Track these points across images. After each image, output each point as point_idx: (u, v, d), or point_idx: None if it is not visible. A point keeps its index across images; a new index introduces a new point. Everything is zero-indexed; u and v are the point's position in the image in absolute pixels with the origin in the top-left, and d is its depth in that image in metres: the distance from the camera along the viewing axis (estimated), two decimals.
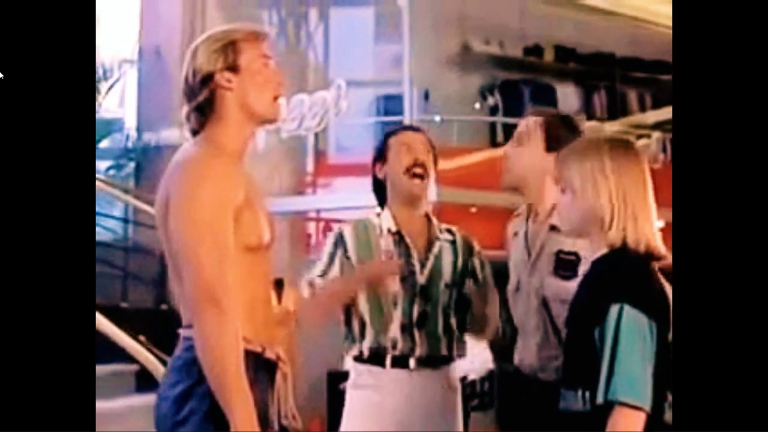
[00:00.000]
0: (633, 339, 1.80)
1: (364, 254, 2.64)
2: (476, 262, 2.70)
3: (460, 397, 2.72)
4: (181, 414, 1.82)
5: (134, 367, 4.31)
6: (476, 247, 2.75)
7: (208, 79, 1.91)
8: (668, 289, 1.89)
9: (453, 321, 2.64)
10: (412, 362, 2.57)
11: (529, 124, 2.49)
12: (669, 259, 1.91)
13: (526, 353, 2.39)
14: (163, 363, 3.17)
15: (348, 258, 2.64)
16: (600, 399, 1.80)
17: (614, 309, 1.81)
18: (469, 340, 2.76)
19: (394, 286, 2.60)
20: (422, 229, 2.68)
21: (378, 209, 2.74)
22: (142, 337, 4.19)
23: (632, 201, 1.91)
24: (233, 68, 1.91)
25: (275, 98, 1.97)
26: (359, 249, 2.64)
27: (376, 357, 2.59)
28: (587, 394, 1.85)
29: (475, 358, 4.14)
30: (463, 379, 4.49)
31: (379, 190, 2.75)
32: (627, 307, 1.81)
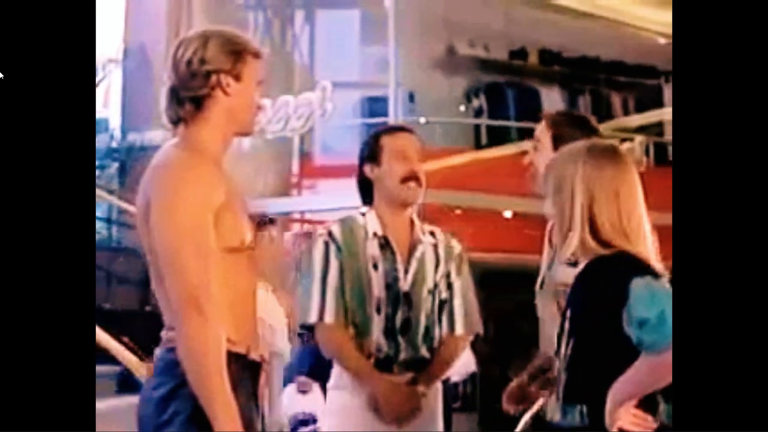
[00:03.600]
0: (670, 296, 1.79)
1: (349, 258, 2.62)
2: (452, 266, 2.69)
3: (441, 398, 2.72)
4: (164, 416, 1.81)
5: (117, 368, 4.29)
6: (456, 249, 2.74)
7: (212, 74, 1.92)
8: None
9: (435, 327, 2.64)
10: (395, 366, 2.57)
11: (540, 128, 2.50)
12: (659, 269, 1.91)
13: (547, 344, 2.40)
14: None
15: (341, 254, 2.60)
16: (649, 351, 1.77)
17: (640, 279, 1.80)
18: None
19: (380, 292, 2.59)
20: (406, 231, 2.66)
21: (363, 209, 2.72)
22: (125, 339, 4.18)
23: (607, 212, 1.88)
24: (237, 76, 1.93)
25: (255, 115, 2.02)
26: (345, 252, 2.62)
27: None
28: (584, 409, 1.84)
29: (458, 361, 4.14)
30: (446, 381, 4.51)
31: (365, 187, 2.72)
32: (652, 277, 1.82)
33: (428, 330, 2.62)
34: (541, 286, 2.48)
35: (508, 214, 5.96)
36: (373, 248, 2.60)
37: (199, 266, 1.80)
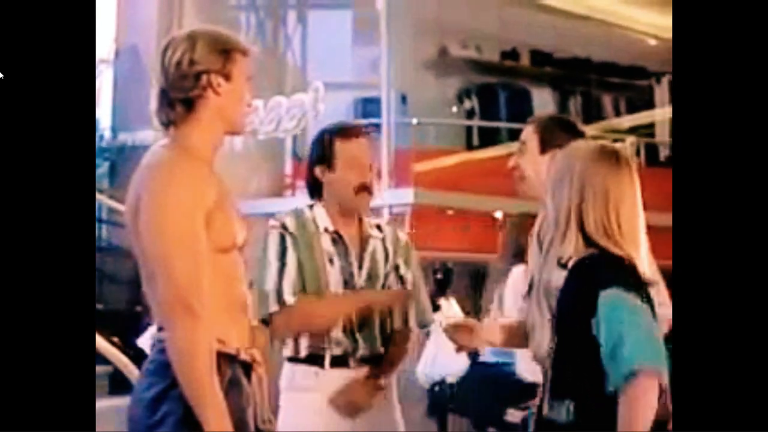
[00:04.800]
0: (633, 315, 1.79)
1: (305, 251, 2.59)
2: (400, 258, 2.69)
3: (396, 392, 2.71)
4: (155, 417, 1.81)
5: (107, 369, 4.28)
6: (403, 240, 2.74)
7: (202, 74, 1.91)
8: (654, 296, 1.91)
9: (387, 321, 2.64)
10: (351, 361, 2.56)
11: (526, 132, 2.51)
12: (652, 280, 1.91)
13: (540, 348, 2.40)
14: (137, 365, 3.15)
15: (297, 246, 2.57)
16: (611, 386, 1.77)
17: (606, 293, 1.81)
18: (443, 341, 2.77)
19: (338, 288, 2.58)
20: (355, 227, 2.65)
21: (309, 201, 2.69)
22: (115, 339, 4.16)
23: (599, 211, 1.89)
24: (227, 76, 1.93)
25: (246, 114, 2.01)
26: (302, 245, 2.59)
27: (313, 357, 2.56)
28: (572, 406, 1.86)
29: (453, 362, 4.14)
30: (441, 382, 4.51)
31: (314, 186, 2.66)
32: (618, 290, 1.81)
33: (383, 324, 2.63)
34: (530, 291, 2.48)
35: (499, 215, 5.96)
36: (326, 243, 2.59)
37: (189, 267, 1.79)
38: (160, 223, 1.81)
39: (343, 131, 2.68)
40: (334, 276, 2.57)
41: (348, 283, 2.58)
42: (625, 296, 1.82)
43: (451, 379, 4.85)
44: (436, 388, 4.38)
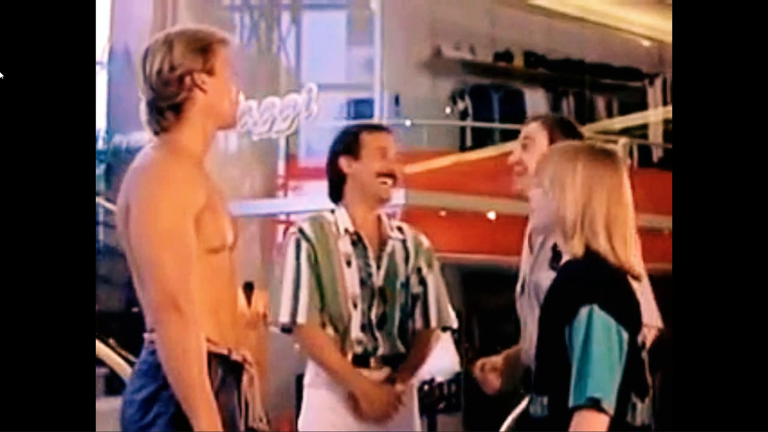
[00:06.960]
0: (602, 342, 1.82)
1: (323, 256, 2.63)
2: (422, 261, 2.72)
3: (416, 395, 2.73)
4: (146, 418, 1.82)
5: (103, 370, 4.28)
6: (425, 244, 2.77)
7: (185, 76, 1.91)
8: (643, 303, 1.93)
9: (408, 321, 2.67)
10: (372, 361, 2.59)
11: (532, 128, 2.51)
12: (643, 280, 1.93)
13: (531, 345, 2.42)
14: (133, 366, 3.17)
15: (315, 252, 2.62)
16: (571, 402, 1.82)
17: (584, 311, 1.84)
18: (435, 341, 2.79)
19: (354, 289, 2.61)
20: (376, 228, 2.69)
21: (331, 206, 2.72)
22: (111, 341, 4.17)
23: (600, 213, 1.91)
24: (210, 71, 1.93)
25: (236, 105, 2.01)
26: (319, 250, 2.63)
27: None
28: (544, 400, 1.89)
29: (443, 361, 4.16)
30: (431, 381, 4.53)
31: (335, 183, 2.72)
32: (596, 310, 1.84)
33: (402, 324, 2.65)
34: (522, 290, 2.50)
35: (492, 215, 5.99)
36: (345, 245, 2.63)
37: (178, 267, 1.81)
38: (149, 224, 1.82)
39: (368, 126, 2.82)
40: (350, 277, 2.60)
41: (365, 282, 2.62)
42: (603, 319, 1.84)
43: (440, 379, 4.88)
44: (425, 387, 4.39)
